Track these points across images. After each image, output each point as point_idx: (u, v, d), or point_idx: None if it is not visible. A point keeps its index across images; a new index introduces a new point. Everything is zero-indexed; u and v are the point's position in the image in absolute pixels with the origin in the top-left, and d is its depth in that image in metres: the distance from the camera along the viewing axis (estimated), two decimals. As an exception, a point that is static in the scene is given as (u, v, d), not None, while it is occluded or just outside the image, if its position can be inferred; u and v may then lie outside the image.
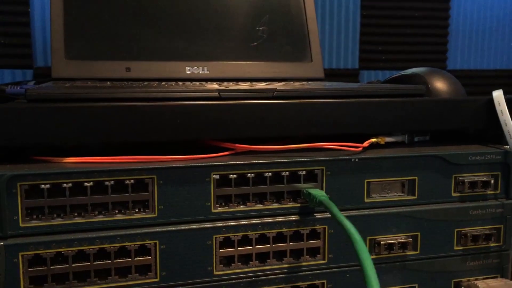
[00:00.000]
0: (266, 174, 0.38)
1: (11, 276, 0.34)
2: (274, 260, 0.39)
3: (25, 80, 0.76)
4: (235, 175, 0.38)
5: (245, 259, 0.39)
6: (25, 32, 0.80)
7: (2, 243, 0.33)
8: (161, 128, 0.37)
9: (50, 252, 0.34)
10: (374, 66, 1.02)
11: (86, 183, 0.35)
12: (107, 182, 0.35)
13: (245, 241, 0.38)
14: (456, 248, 0.43)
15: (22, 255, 0.34)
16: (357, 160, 0.40)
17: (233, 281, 0.38)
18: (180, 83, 0.53)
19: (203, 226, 0.37)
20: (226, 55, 0.62)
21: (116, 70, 0.58)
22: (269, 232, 0.39)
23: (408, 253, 0.42)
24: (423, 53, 1.01)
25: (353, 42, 0.98)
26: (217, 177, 0.37)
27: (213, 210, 0.38)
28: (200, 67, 0.60)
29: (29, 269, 0.34)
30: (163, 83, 0.52)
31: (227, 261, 0.38)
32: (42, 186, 0.34)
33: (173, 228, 0.37)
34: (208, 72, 0.61)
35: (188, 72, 0.60)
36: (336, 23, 0.96)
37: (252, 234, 0.38)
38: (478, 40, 1.09)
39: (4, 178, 0.33)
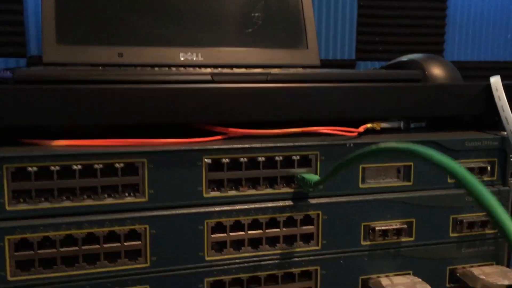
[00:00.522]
0: (259, 158, 0.38)
1: (-3, 260, 0.33)
2: (267, 246, 0.38)
3: (17, 67, 0.75)
4: (227, 159, 0.37)
5: (237, 244, 0.38)
6: (18, 20, 0.78)
7: (-13, 227, 0.33)
8: (153, 111, 0.37)
9: (37, 236, 0.33)
10: (371, 57, 1.01)
11: (74, 166, 0.34)
12: (96, 165, 0.34)
13: (238, 226, 0.38)
14: (451, 235, 0.42)
15: (8, 239, 0.33)
16: (352, 145, 0.39)
17: (225, 266, 0.38)
18: (174, 68, 0.52)
19: (194, 211, 0.37)
20: (221, 41, 0.61)
21: (108, 55, 0.57)
22: (262, 218, 0.38)
23: (403, 240, 0.41)
24: (420, 44, 1.00)
25: (350, 32, 0.97)
26: (209, 161, 0.37)
27: (205, 195, 0.37)
28: (194, 53, 0.59)
29: (16, 253, 0.33)
30: (156, 68, 0.51)
31: (219, 246, 0.38)
32: (29, 169, 0.33)
33: (164, 213, 0.36)
34: (202, 59, 0.60)
35: (182, 58, 0.59)
36: (333, 13, 0.95)
37: (244, 219, 0.38)
38: (475, 31, 1.08)
39: (-9, 159, 0.32)
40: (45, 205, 0.34)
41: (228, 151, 0.37)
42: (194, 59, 0.59)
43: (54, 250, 0.34)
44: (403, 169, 0.41)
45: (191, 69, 0.48)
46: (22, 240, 0.33)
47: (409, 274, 0.41)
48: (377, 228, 0.40)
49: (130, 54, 0.58)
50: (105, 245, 0.35)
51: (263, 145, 0.38)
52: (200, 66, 0.59)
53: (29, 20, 0.80)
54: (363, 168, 0.40)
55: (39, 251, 0.34)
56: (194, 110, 0.37)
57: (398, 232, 0.41)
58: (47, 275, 0.34)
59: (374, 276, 0.40)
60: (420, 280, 0.39)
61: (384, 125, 0.43)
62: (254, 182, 0.38)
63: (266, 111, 0.39)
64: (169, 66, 0.58)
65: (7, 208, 0.33)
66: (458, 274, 0.42)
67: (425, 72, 0.48)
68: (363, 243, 0.40)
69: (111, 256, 0.35)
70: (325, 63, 0.91)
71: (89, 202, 0.35)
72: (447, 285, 0.43)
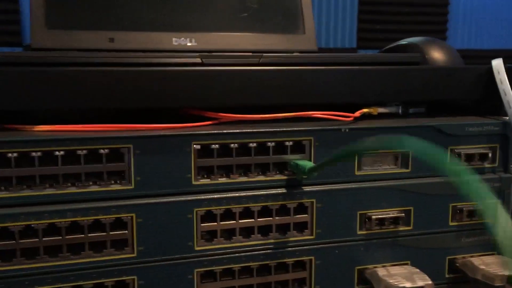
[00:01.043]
0: (251, 144, 0.36)
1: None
2: (259, 235, 0.37)
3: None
4: (217, 145, 0.36)
5: (228, 234, 0.37)
6: (13, 9, 0.77)
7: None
8: (140, 94, 0.35)
9: (18, 225, 0.32)
10: (372, 45, 1.00)
11: (57, 152, 0.33)
12: (79, 151, 0.33)
13: (228, 215, 0.36)
14: (451, 223, 0.41)
15: (-13, 228, 0.32)
16: (347, 130, 0.38)
17: (215, 257, 0.36)
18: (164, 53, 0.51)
19: (183, 198, 0.35)
20: (215, 26, 0.59)
21: (99, 40, 0.56)
22: (254, 206, 0.36)
23: (401, 229, 0.40)
24: (423, 32, 0.99)
25: (351, 20, 0.96)
26: (198, 147, 0.35)
27: (194, 182, 0.35)
28: (188, 38, 0.58)
29: (-4, 243, 0.32)
30: (148, 53, 0.50)
31: (209, 236, 0.36)
32: (9, 154, 0.32)
33: (151, 201, 0.35)
34: (195, 44, 0.58)
35: (175, 44, 0.57)
36: (333, 1, 0.94)
37: (235, 207, 0.36)
38: (478, 20, 1.06)
39: (-33, 145, 0.31)
40: (27, 192, 0.33)
41: (218, 136, 0.36)
42: (187, 44, 0.58)
43: (37, 240, 0.33)
44: (401, 156, 0.40)
45: (180, 53, 0.46)
46: (3, 230, 0.32)
47: (407, 264, 0.40)
48: (373, 217, 0.39)
49: (121, 39, 0.57)
50: (90, 235, 0.34)
51: (255, 130, 0.36)
52: (193, 52, 0.57)
53: (24, 8, 0.78)
54: (359, 154, 0.39)
55: (20, 241, 0.32)
56: (183, 94, 0.36)
57: (395, 220, 0.39)
58: (30, 266, 0.33)
59: (370, 266, 0.39)
60: (418, 270, 0.38)
61: (381, 110, 0.42)
62: (245, 169, 0.37)
63: (258, 95, 0.37)
64: (161, 51, 0.57)
65: (-14, 196, 0.32)
66: (457, 264, 0.41)
67: (424, 55, 0.46)
68: (359, 232, 0.39)
69: (96, 246, 0.34)
70: (325, 52, 0.90)
71: (72, 189, 0.33)
72: (447, 275, 0.41)
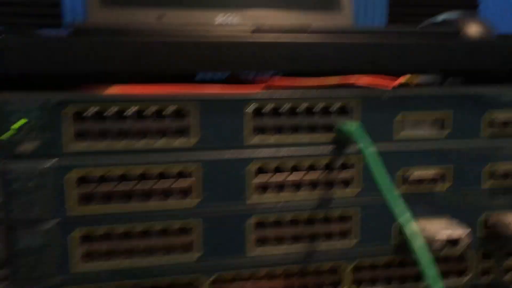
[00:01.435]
0: (300, 107, 0.40)
1: (62, 192, 0.36)
2: (307, 189, 0.41)
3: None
4: (270, 107, 0.39)
5: (279, 188, 0.40)
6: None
7: (53, 162, 0.35)
8: (201, 61, 0.39)
9: (96, 174, 0.36)
10: (404, 20, 1.00)
11: (129, 110, 0.37)
12: (149, 109, 0.37)
13: (279, 170, 0.40)
14: (486, 183, 0.44)
15: (71, 174, 0.36)
16: (390, 95, 0.41)
17: (267, 208, 0.40)
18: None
19: (239, 154, 0.39)
20: (258, 3, 0.62)
21: (148, 17, 0.60)
22: (302, 162, 0.40)
23: (438, 188, 0.43)
24: (454, 7, 0.99)
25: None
26: (253, 108, 0.39)
27: (249, 140, 0.39)
28: (232, 15, 0.61)
29: (78, 188, 0.36)
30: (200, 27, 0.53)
31: (261, 189, 0.40)
32: (89, 111, 0.36)
33: (211, 156, 0.38)
34: (240, 20, 0.61)
35: (220, 20, 0.61)
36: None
37: (285, 164, 0.40)
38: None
39: (55, 101, 0.35)
40: (103, 145, 0.37)
41: (271, 99, 0.39)
42: (232, 20, 0.61)
43: (111, 187, 0.37)
44: (439, 121, 0.43)
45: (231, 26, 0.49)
46: (83, 177, 0.36)
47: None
48: (412, 176, 0.42)
49: (170, 16, 0.60)
50: (156, 185, 0.38)
51: (304, 94, 0.40)
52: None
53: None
54: (400, 119, 0.42)
55: (97, 188, 0.37)
56: (237, 62, 0.39)
57: (433, 180, 0.42)
58: (105, 211, 0.37)
59: (409, 221, 0.42)
60: (455, 222, 0.41)
61: (421, 79, 0.45)
62: (295, 130, 0.40)
63: (306, 64, 0.41)
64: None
65: (70, 147, 0.36)
66: (491, 222, 0.44)
67: (461, 29, 0.49)
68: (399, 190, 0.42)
69: (163, 194, 0.38)
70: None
71: (142, 143, 0.37)
72: (480, 233, 0.44)
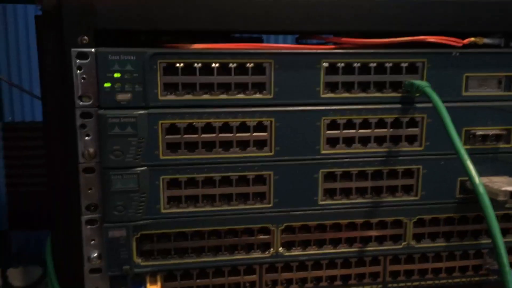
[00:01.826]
0: (371, 64, 0.42)
1: (152, 140, 0.39)
2: (375, 144, 0.43)
3: None
4: (342, 64, 0.41)
5: (349, 141, 0.43)
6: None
7: (145, 112, 0.39)
8: (276, 21, 0.41)
9: (183, 123, 0.39)
10: None
11: (213, 64, 0.39)
12: (231, 64, 0.40)
13: (349, 125, 0.42)
14: (549, 143, 0.45)
15: (161, 123, 0.39)
16: (457, 54, 0.42)
17: (337, 160, 0.42)
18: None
19: (313, 108, 0.41)
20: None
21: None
22: (371, 118, 0.42)
23: (501, 146, 0.44)
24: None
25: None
26: (326, 64, 0.41)
27: (322, 95, 0.41)
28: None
29: (166, 136, 0.40)
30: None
31: (333, 142, 0.42)
32: (177, 64, 0.39)
33: (287, 109, 0.41)
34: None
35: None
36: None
37: (355, 118, 0.42)
38: None
39: (147, 55, 0.38)
40: (189, 97, 0.40)
41: (343, 56, 0.41)
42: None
43: (196, 135, 0.40)
44: (505, 79, 0.44)
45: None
46: (172, 125, 0.39)
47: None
48: (477, 133, 0.43)
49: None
50: (237, 135, 0.41)
51: (374, 51, 0.41)
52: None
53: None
54: (467, 77, 0.43)
55: (184, 136, 0.40)
56: (312, 21, 0.41)
57: (497, 138, 0.44)
58: (190, 157, 0.40)
59: (472, 177, 0.44)
60: (520, 179, 0.43)
61: (486, 40, 0.46)
62: (365, 86, 0.42)
63: (377, 23, 0.42)
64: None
65: (160, 98, 0.39)
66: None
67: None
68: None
69: (242, 144, 0.41)
70: None
71: (224, 96, 0.40)
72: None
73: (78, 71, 0.38)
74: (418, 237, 0.45)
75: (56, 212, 0.41)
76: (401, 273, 0.46)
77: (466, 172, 0.37)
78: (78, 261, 0.41)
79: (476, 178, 0.36)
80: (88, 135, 0.39)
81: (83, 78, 0.38)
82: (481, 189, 0.36)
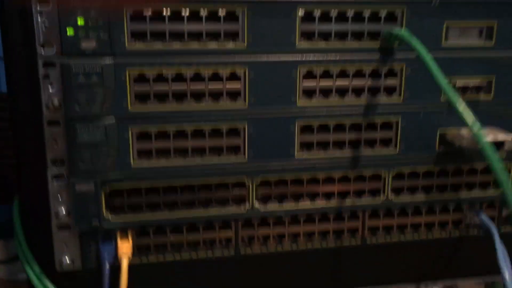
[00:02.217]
0: (348, 13, 0.40)
1: (119, 90, 0.38)
2: (353, 96, 0.41)
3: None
4: (319, 12, 0.40)
5: (326, 93, 0.41)
6: None
7: (112, 60, 0.37)
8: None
9: (152, 72, 0.38)
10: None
11: (183, 12, 0.38)
12: (202, 12, 0.38)
13: (326, 75, 0.41)
14: (530, 94, 0.44)
15: (128, 72, 0.37)
16: (438, 2, 0.41)
17: (314, 112, 0.41)
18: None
19: (288, 58, 0.40)
20: None
21: None
22: (349, 68, 0.41)
23: (482, 97, 0.43)
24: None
25: None
26: (302, 13, 0.39)
27: (297, 45, 0.40)
28: None
29: (135, 87, 0.38)
30: None
31: (308, 94, 0.41)
32: (144, 13, 0.37)
33: (261, 58, 0.39)
34: None
35: None
36: None
37: (333, 68, 0.41)
38: None
39: (114, 2, 0.36)
40: (158, 45, 0.38)
41: (320, 4, 0.39)
42: None
43: (167, 85, 0.38)
44: (486, 29, 0.43)
45: None
46: (140, 76, 0.38)
47: (486, 129, 0.44)
48: (457, 84, 0.42)
49: None
50: (209, 85, 0.39)
51: (352, 0, 0.40)
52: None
53: None
54: (447, 26, 0.42)
55: (153, 86, 0.38)
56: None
57: (477, 89, 0.43)
58: (159, 109, 0.39)
59: (452, 128, 0.43)
60: (499, 129, 0.42)
61: (467, -11, 0.44)
62: (342, 36, 0.41)
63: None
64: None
65: (127, 46, 0.37)
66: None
67: None
68: (442, 99, 0.43)
69: (214, 96, 0.39)
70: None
71: (195, 45, 0.39)
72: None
73: (40, 18, 0.36)
74: (397, 191, 0.45)
75: (21, 171, 0.40)
76: (380, 228, 0.45)
77: (464, 121, 0.36)
78: (47, 220, 0.40)
79: (474, 126, 0.35)
80: (52, 85, 0.37)
81: (45, 26, 0.36)
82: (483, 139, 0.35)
